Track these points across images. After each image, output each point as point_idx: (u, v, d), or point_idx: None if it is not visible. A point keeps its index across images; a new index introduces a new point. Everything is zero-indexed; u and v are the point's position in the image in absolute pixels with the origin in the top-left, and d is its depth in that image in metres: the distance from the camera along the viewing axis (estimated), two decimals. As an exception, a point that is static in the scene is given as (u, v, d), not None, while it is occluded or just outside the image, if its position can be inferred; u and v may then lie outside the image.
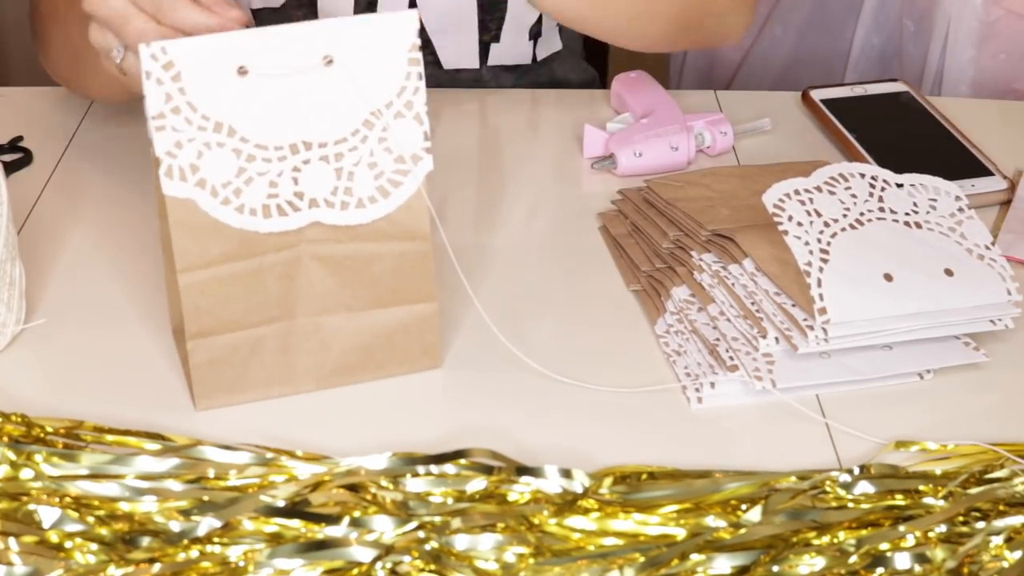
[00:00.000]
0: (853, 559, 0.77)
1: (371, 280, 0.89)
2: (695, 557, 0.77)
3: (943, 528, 0.80)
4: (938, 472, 0.84)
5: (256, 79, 0.83)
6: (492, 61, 1.27)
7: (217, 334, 0.87)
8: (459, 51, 1.25)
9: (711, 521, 0.79)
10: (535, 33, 1.27)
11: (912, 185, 0.95)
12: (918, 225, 0.93)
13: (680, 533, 0.79)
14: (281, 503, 0.79)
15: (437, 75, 1.26)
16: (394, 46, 0.85)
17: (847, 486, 0.82)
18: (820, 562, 0.77)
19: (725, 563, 0.77)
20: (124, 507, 0.79)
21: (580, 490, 0.81)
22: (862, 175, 0.94)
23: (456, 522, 0.78)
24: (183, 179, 0.83)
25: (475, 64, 1.26)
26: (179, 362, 0.92)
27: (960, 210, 0.94)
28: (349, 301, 0.89)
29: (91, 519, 0.78)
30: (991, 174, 1.14)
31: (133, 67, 0.89)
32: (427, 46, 1.24)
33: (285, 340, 0.89)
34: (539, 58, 1.30)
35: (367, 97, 0.85)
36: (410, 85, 0.86)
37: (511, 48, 1.27)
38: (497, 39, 1.26)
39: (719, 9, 1.16)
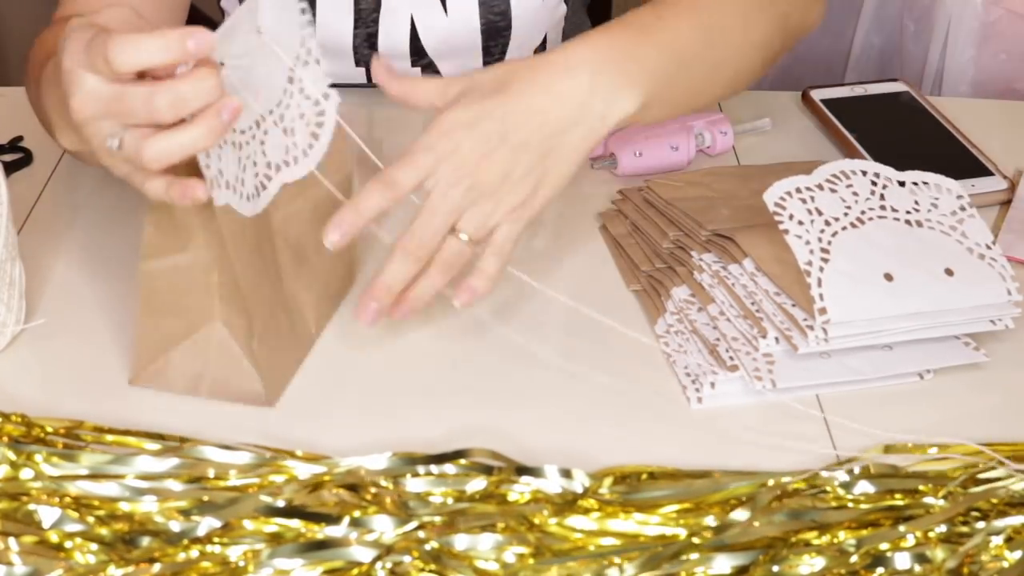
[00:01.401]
0: (853, 559, 0.77)
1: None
2: (695, 557, 0.77)
3: (943, 528, 0.80)
4: (939, 471, 0.84)
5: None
6: None
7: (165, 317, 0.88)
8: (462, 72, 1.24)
9: (711, 521, 0.79)
10: None
11: (914, 183, 0.95)
12: (919, 223, 0.93)
13: (680, 533, 0.79)
14: (281, 503, 0.79)
15: None
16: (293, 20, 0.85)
17: (847, 486, 0.82)
18: (820, 562, 0.77)
19: (725, 563, 0.77)
20: (124, 507, 0.79)
21: (580, 490, 0.81)
22: (863, 172, 0.94)
23: (456, 522, 0.78)
24: (212, 188, 0.83)
25: None
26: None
27: (962, 208, 0.94)
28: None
29: (91, 519, 0.78)
30: (991, 174, 1.13)
31: (131, 147, 0.80)
32: (431, 67, 1.24)
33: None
34: None
35: (263, 99, 0.84)
36: (308, 32, 0.85)
37: None
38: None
39: (795, 25, 1.09)
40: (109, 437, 0.84)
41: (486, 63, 1.24)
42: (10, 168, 1.12)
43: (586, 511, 0.80)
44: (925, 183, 0.95)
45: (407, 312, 0.87)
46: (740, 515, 0.79)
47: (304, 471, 0.81)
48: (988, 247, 0.93)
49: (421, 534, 0.77)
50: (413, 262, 0.86)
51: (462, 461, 0.82)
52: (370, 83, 1.23)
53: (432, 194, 0.86)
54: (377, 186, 0.85)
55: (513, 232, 0.88)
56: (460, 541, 0.77)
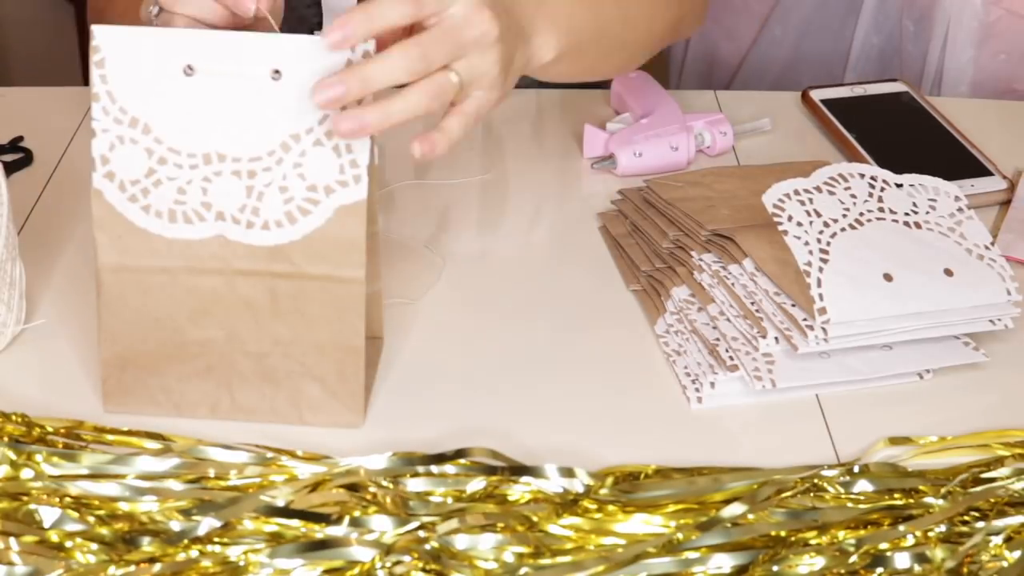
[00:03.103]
0: (853, 559, 0.77)
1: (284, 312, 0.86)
2: (695, 556, 0.77)
3: (943, 528, 0.80)
4: (938, 469, 0.84)
5: (190, 82, 0.82)
6: None
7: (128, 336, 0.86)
8: None
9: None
10: None
11: (912, 185, 0.95)
12: (918, 225, 0.93)
13: (680, 533, 0.79)
14: (281, 503, 0.79)
15: None
16: (323, 71, 0.81)
17: (846, 485, 0.82)
18: (820, 562, 0.77)
19: (725, 562, 0.77)
20: (124, 507, 0.79)
21: (581, 489, 0.81)
22: (862, 175, 0.94)
23: (456, 522, 0.78)
24: (94, 169, 0.83)
25: None
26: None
27: (960, 210, 0.94)
28: (257, 333, 0.86)
29: (91, 519, 0.78)
30: (991, 174, 1.14)
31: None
32: None
33: (193, 362, 0.87)
34: None
35: (292, 118, 0.82)
36: (333, 113, 0.81)
37: None
38: None
39: (682, 26, 1.17)
40: (109, 437, 0.84)
41: None
42: (10, 168, 1.12)
43: (586, 511, 0.80)
44: (923, 186, 0.95)
45: (374, 117, 0.81)
46: (735, 509, 0.79)
47: (304, 471, 0.81)
48: (987, 247, 0.93)
49: (421, 534, 0.77)
50: (406, 68, 0.81)
51: (462, 461, 0.82)
52: None
53: (448, 22, 0.83)
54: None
55: (483, 105, 0.86)
56: (460, 541, 0.77)
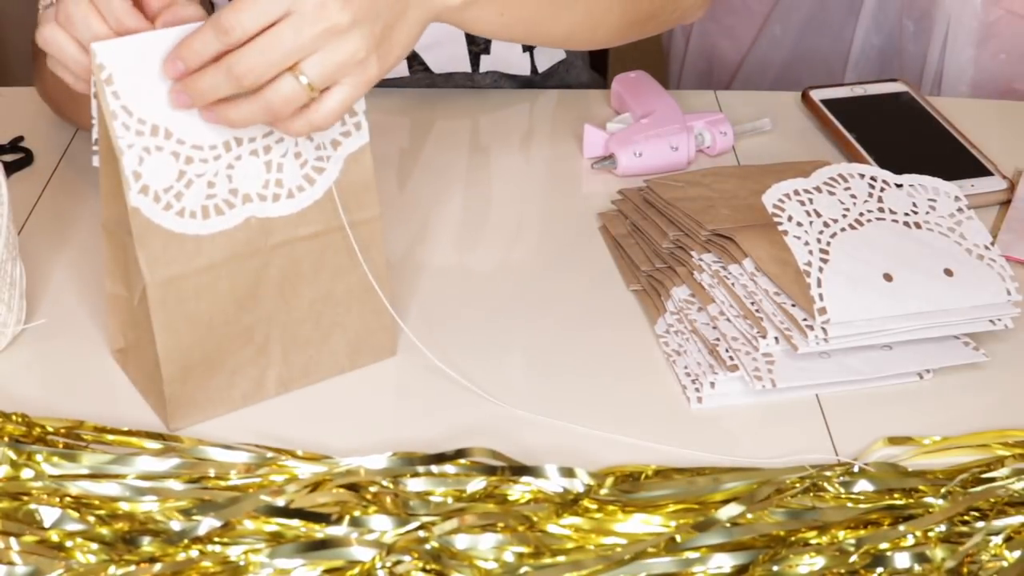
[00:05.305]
0: (853, 559, 0.77)
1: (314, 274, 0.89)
2: (695, 556, 0.77)
3: (943, 528, 0.80)
4: (938, 469, 0.84)
5: None
6: (484, 68, 1.26)
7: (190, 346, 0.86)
8: (448, 60, 1.25)
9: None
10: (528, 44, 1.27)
11: (911, 185, 0.95)
12: (917, 225, 0.93)
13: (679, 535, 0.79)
14: (281, 503, 0.79)
15: (431, 78, 1.26)
16: None
17: (846, 485, 0.82)
18: (820, 562, 0.77)
19: (725, 562, 0.77)
20: (124, 507, 0.79)
21: (581, 489, 0.81)
22: (861, 175, 0.94)
23: (456, 522, 0.78)
24: (128, 188, 0.81)
25: (467, 68, 1.25)
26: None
27: (959, 210, 0.94)
28: (296, 299, 0.89)
29: (91, 519, 0.78)
30: (991, 174, 1.14)
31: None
32: (415, 58, 1.24)
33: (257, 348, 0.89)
34: (540, 69, 1.29)
35: None
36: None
37: (504, 58, 1.26)
38: (487, 50, 1.25)
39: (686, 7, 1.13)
40: (109, 437, 0.84)
41: (471, 51, 1.24)
42: (10, 168, 1.12)
43: (586, 511, 0.80)
44: (923, 186, 0.95)
45: (210, 118, 0.82)
46: (734, 509, 0.79)
47: (304, 471, 0.81)
48: (987, 247, 0.93)
49: (421, 534, 0.77)
50: (234, 86, 0.80)
51: (462, 461, 0.82)
52: None
53: (283, 24, 0.79)
54: (209, 30, 0.79)
55: (350, 96, 0.82)
56: (460, 541, 0.77)
